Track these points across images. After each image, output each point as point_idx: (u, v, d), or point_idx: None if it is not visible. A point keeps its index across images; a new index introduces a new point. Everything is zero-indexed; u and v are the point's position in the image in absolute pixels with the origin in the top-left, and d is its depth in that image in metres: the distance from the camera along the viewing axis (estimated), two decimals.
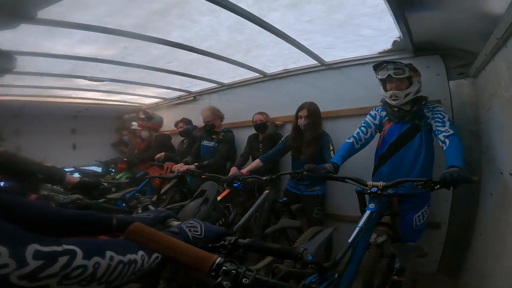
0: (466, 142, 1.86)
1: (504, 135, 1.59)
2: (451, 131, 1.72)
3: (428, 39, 2.21)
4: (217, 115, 3.33)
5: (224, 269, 0.55)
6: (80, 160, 4.51)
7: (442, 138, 1.72)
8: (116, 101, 4.78)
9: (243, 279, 0.54)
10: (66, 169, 3.69)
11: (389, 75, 1.95)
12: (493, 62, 1.68)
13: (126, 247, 0.59)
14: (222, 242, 0.76)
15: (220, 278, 0.54)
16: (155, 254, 0.63)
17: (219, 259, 0.56)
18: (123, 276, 0.56)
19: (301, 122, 2.48)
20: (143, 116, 4.33)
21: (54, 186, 1.83)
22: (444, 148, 1.68)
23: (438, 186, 1.46)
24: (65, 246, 0.49)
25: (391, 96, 1.97)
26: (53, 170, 1.73)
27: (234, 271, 0.55)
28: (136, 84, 3.65)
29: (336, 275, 1.39)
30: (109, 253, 0.54)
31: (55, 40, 2.18)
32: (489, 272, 1.59)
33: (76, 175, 3.65)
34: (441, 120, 1.81)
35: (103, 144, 5.37)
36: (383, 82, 2.02)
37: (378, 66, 2.01)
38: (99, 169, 4.44)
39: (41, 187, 1.73)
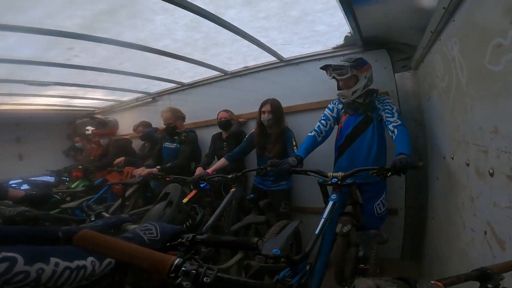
0: (412, 130, 2.03)
1: (443, 122, 1.75)
2: (399, 122, 1.87)
3: (375, 33, 2.33)
4: (177, 115, 3.24)
5: (183, 269, 0.53)
6: (29, 171, 4.16)
7: (392, 128, 1.86)
8: (66, 106, 4.42)
9: (204, 278, 0.53)
10: (14, 181, 3.37)
11: (333, 76, 2.07)
12: (430, 54, 1.82)
13: (74, 253, 0.58)
14: (180, 240, 0.75)
15: (180, 279, 0.52)
16: (108, 259, 0.61)
17: (177, 260, 0.54)
18: (72, 282, 0.56)
19: (265, 117, 2.51)
20: (96, 124, 4.09)
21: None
22: (393, 137, 1.82)
23: (390, 173, 1.57)
24: (4, 254, 0.49)
25: (339, 95, 2.12)
26: None
27: (194, 271, 0.53)
28: (85, 87, 3.40)
29: (307, 267, 1.42)
30: (53, 259, 0.54)
31: None
32: (444, 255, 1.71)
33: (25, 186, 3.34)
34: (390, 112, 1.95)
35: (53, 152, 4.98)
36: (336, 79, 2.12)
37: (324, 68, 2.12)
38: (51, 179, 4.09)
39: None
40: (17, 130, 4.64)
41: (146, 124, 3.82)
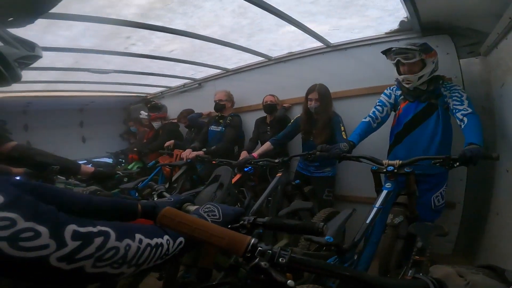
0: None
1: None
2: (470, 110, 1.69)
3: (436, 18, 2.15)
4: (229, 98, 3.32)
5: (260, 249, 0.53)
6: (91, 153, 4.58)
7: (460, 117, 1.69)
8: (121, 92, 4.77)
9: (280, 259, 0.53)
10: (79, 162, 3.77)
11: (398, 60, 1.91)
12: (505, 40, 1.66)
13: (153, 231, 0.59)
14: (242, 222, 0.75)
15: (257, 259, 0.52)
16: (179, 239, 0.63)
17: (253, 240, 0.54)
18: (150, 260, 0.56)
19: (312, 105, 2.44)
20: (151, 108, 4.34)
21: (69, 180, 1.84)
22: (462, 126, 1.66)
23: (458, 163, 1.45)
24: (100, 227, 0.50)
25: (403, 80, 1.95)
26: (68, 161, 1.75)
27: (270, 251, 0.53)
28: (140, 74, 3.63)
29: (355, 257, 1.40)
30: (138, 236, 0.55)
31: (56, 33, 2.16)
32: (506, 252, 1.59)
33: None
34: (459, 99, 1.78)
35: (111, 136, 5.44)
36: (396, 65, 1.97)
37: (387, 51, 1.96)
38: (109, 160, 4.51)
39: (56, 180, 1.74)
40: (81, 115, 5.13)
41: (189, 112, 3.96)
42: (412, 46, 1.85)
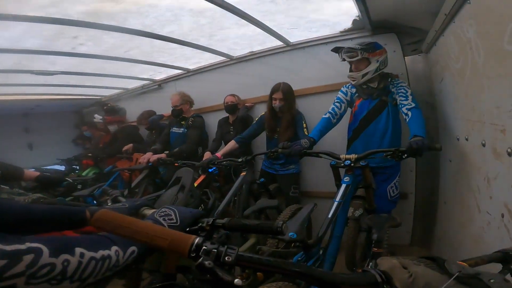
0: (423, 113, 2.00)
1: (457, 103, 1.73)
2: (413, 104, 1.86)
3: (384, 17, 2.29)
4: (186, 100, 3.23)
5: (204, 248, 0.52)
6: (39, 160, 4.20)
7: (405, 111, 1.85)
8: (71, 95, 4.42)
9: (226, 257, 0.51)
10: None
11: (343, 59, 2.06)
12: (443, 37, 1.79)
13: (98, 243, 0.56)
14: (200, 224, 0.73)
15: (201, 258, 0.51)
16: (131, 248, 0.60)
17: (197, 239, 0.53)
18: (97, 273, 0.53)
19: (276, 104, 2.47)
20: (106, 111, 4.10)
21: (12, 189, 1.72)
22: (407, 120, 1.81)
23: (406, 155, 1.56)
24: (29, 244, 0.46)
25: (349, 77, 2.11)
26: (10, 166, 1.64)
27: (215, 250, 0.52)
28: (92, 76, 3.39)
29: (320, 252, 1.45)
30: (78, 250, 0.51)
31: None
32: (457, 240, 1.70)
33: None
34: (404, 95, 1.94)
35: (62, 142, 5.00)
36: (349, 62, 2.10)
37: (335, 50, 2.10)
38: (61, 168, 4.16)
39: None
40: (25, 120, 4.66)
41: (150, 113, 3.82)
42: (356, 45, 1.99)
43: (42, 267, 0.46)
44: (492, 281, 0.41)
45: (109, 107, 4.12)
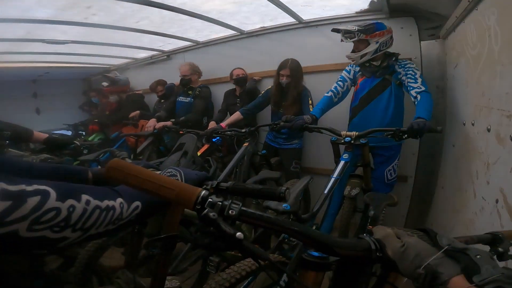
0: (432, 97, 1.99)
1: (468, 89, 1.72)
2: (423, 88, 1.83)
3: (403, 1, 2.22)
4: (195, 70, 3.24)
5: (210, 201, 0.52)
6: (46, 125, 4.23)
7: (414, 94, 1.82)
8: (81, 63, 4.42)
9: (230, 211, 0.52)
10: None
11: (342, 39, 2.06)
12: (463, 24, 1.74)
13: (104, 193, 0.55)
14: (204, 186, 0.71)
15: (207, 209, 0.51)
16: (135, 203, 0.59)
17: (203, 192, 0.53)
18: (100, 224, 0.52)
19: (283, 80, 2.46)
20: (108, 81, 4.11)
21: (20, 151, 1.74)
22: (416, 102, 1.80)
23: (406, 135, 1.57)
24: (37, 186, 0.44)
25: (348, 58, 2.11)
26: (20, 127, 1.65)
27: (220, 203, 0.52)
28: (102, 45, 3.37)
29: (314, 228, 1.45)
30: (85, 197, 0.49)
31: (6, 4, 1.98)
32: (450, 225, 1.71)
33: None
34: (413, 77, 1.91)
35: (70, 107, 5.04)
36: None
37: (336, 31, 2.09)
38: (68, 133, 4.24)
39: (6, 149, 1.63)
40: (34, 86, 4.69)
41: (163, 83, 3.82)
42: (354, 27, 1.98)
43: (47, 212, 0.44)
44: (478, 256, 0.42)
45: (110, 78, 4.13)
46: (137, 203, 0.59)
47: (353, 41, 2.03)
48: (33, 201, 0.42)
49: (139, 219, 0.61)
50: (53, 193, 0.45)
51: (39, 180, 0.46)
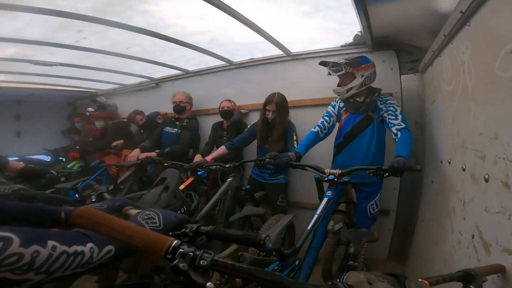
0: (412, 133, 2.01)
1: (444, 126, 1.77)
2: (403, 125, 1.87)
3: (386, 34, 2.32)
4: (190, 100, 3.28)
5: (181, 251, 0.53)
6: (26, 149, 4.12)
7: (395, 131, 1.86)
8: (68, 87, 4.39)
9: (201, 261, 0.53)
10: (10, 158, 3.35)
11: (329, 73, 2.11)
12: (439, 58, 1.81)
13: (73, 238, 0.55)
14: (183, 229, 0.72)
15: (177, 260, 0.52)
16: (108, 247, 0.59)
17: (175, 241, 0.54)
18: (66, 268, 0.52)
19: (269, 115, 2.48)
20: (95, 107, 4.09)
21: None
22: (396, 140, 1.83)
23: (387, 174, 1.60)
24: (0, 233, 0.46)
25: (334, 92, 2.15)
26: None
27: (192, 253, 0.53)
28: (91, 69, 3.38)
29: (296, 262, 1.44)
30: (51, 243, 0.50)
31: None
32: (430, 257, 1.73)
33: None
34: (393, 114, 1.96)
35: (52, 132, 4.92)
36: (338, 76, 2.13)
37: (323, 64, 2.15)
38: (47, 158, 4.08)
39: None
40: (18, 108, 4.60)
41: (142, 112, 3.80)
42: (341, 60, 2.03)
43: (9, 256, 0.45)
44: None
45: (99, 103, 4.10)
46: (110, 247, 0.59)
47: (339, 75, 2.06)
48: None
49: (112, 261, 0.61)
50: (16, 240, 0.46)
51: (4, 226, 0.47)
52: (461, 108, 1.43)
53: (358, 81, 2.04)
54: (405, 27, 2.15)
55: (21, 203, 0.76)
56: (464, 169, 1.32)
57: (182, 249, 0.53)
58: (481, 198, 1.12)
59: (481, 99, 1.20)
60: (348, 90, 2.06)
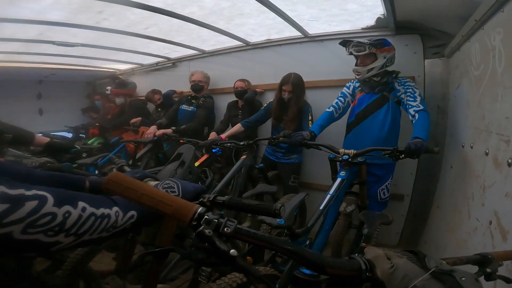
0: (433, 117, 1.97)
1: (469, 110, 1.72)
2: (421, 107, 1.82)
3: (410, 18, 2.24)
4: (207, 79, 3.29)
5: (206, 218, 0.53)
6: (48, 126, 4.26)
7: (412, 113, 1.82)
8: (87, 67, 4.48)
9: (225, 228, 0.53)
10: None
11: (351, 52, 2.04)
12: (468, 43, 1.75)
13: (100, 201, 0.57)
14: (201, 199, 0.73)
15: (202, 226, 0.52)
16: (131, 212, 0.60)
17: (200, 208, 0.54)
18: (94, 231, 0.53)
19: (285, 95, 2.47)
20: (116, 83, 4.17)
21: (20, 152, 1.72)
22: (414, 121, 1.79)
23: (403, 155, 1.57)
24: (36, 191, 0.46)
25: (354, 71, 2.09)
26: (22, 130, 1.64)
27: (216, 220, 0.53)
28: (110, 49, 3.42)
29: (307, 242, 1.46)
30: (81, 204, 0.51)
31: (22, 6, 2.03)
32: (443, 244, 1.71)
33: None
34: (412, 95, 1.90)
35: (72, 110, 5.08)
36: (355, 57, 2.08)
37: (344, 44, 2.09)
38: (68, 135, 4.25)
39: (6, 151, 1.62)
40: (39, 87, 4.74)
41: (159, 91, 3.86)
42: (364, 40, 1.97)
43: (43, 216, 0.45)
44: (463, 279, 0.43)
45: (120, 80, 4.18)
46: (133, 212, 0.61)
47: (361, 54, 2.01)
48: (30, 205, 0.44)
49: (134, 228, 0.62)
50: (50, 199, 0.47)
51: (39, 186, 0.48)
52: (488, 92, 1.39)
53: (380, 62, 2.00)
54: (432, 12, 2.05)
55: (48, 172, 0.79)
56: (487, 154, 1.29)
57: (207, 216, 0.53)
58: (502, 183, 1.10)
59: (509, 84, 1.16)
60: (369, 70, 2.01)
